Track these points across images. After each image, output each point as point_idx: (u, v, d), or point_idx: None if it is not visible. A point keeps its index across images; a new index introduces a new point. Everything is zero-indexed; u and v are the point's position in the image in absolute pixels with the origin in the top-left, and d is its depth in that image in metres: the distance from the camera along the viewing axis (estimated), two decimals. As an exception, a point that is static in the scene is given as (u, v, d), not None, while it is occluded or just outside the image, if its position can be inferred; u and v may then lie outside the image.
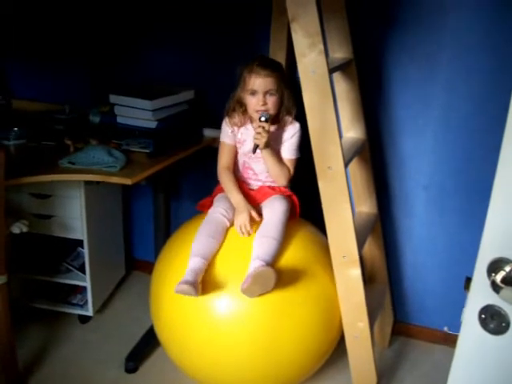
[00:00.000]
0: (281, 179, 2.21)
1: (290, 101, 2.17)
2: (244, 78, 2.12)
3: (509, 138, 0.93)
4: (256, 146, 2.08)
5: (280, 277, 1.95)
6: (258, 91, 2.10)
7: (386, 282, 2.65)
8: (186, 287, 1.88)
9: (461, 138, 2.42)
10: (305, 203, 2.30)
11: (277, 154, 2.20)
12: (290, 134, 2.20)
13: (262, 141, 2.06)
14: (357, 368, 2.23)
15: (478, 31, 2.25)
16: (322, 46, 1.82)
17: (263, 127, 2.06)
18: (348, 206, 1.99)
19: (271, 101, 2.11)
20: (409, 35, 2.35)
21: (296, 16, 1.81)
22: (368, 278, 2.59)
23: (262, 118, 2.08)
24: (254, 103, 2.12)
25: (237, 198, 2.17)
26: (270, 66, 2.10)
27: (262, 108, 2.11)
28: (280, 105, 2.16)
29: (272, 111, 2.13)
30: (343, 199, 1.98)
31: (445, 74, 2.36)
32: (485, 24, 2.22)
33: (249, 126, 2.22)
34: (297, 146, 2.22)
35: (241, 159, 2.28)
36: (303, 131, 2.05)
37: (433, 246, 2.65)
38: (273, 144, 2.18)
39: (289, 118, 2.20)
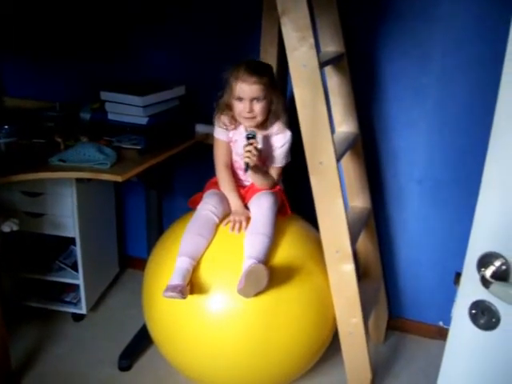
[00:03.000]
0: (264, 187, 2.19)
1: (278, 105, 2.13)
2: (230, 84, 2.09)
3: (496, 130, 0.92)
4: (247, 165, 2.05)
5: (273, 273, 1.94)
6: (244, 98, 2.07)
7: (380, 277, 2.64)
8: (172, 294, 1.87)
9: (455, 130, 2.41)
10: (297, 198, 2.29)
11: (261, 167, 2.18)
12: (281, 143, 2.17)
13: (252, 159, 2.03)
14: (351, 364, 2.22)
15: (472, 22, 2.24)
16: (312, 40, 1.80)
17: (252, 144, 2.03)
18: (340, 200, 1.98)
19: (258, 107, 2.08)
20: (402, 27, 2.34)
21: (286, 10, 1.80)
22: (362, 274, 2.58)
23: (249, 135, 2.04)
24: (240, 109, 2.09)
25: (235, 202, 2.17)
26: (257, 72, 2.05)
27: (249, 115, 2.08)
28: (268, 110, 2.13)
29: (259, 117, 2.10)
30: (335, 194, 1.97)
31: (438, 67, 2.34)
32: (479, 15, 2.21)
33: (239, 128, 2.19)
34: (286, 155, 2.20)
35: (232, 159, 2.26)
36: (295, 126, 2.04)
37: (427, 240, 2.64)
38: (262, 150, 2.16)
39: (279, 125, 2.16)
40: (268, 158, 2.21)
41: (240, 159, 2.21)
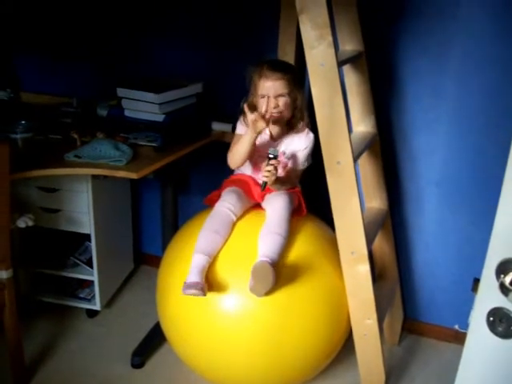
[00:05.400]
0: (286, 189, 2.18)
1: (303, 104, 2.13)
2: (254, 82, 2.09)
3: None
4: (265, 184, 2.05)
5: (287, 273, 1.95)
6: (269, 95, 2.06)
7: (396, 278, 2.61)
8: (194, 291, 1.87)
9: (474, 132, 2.37)
10: (313, 198, 2.27)
11: (283, 177, 2.16)
12: (304, 146, 2.17)
13: (271, 179, 2.02)
14: (365, 366, 2.20)
15: (491, 21, 2.20)
16: (330, 38, 1.78)
17: (273, 165, 2.01)
18: (357, 201, 1.95)
19: (282, 102, 2.07)
20: (420, 26, 2.31)
21: (304, 7, 1.78)
22: (378, 275, 2.56)
23: (271, 155, 2.02)
24: (264, 106, 2.07)
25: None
26: (280, 69, 2.06)
27: (274, 111, 2.07)
28: (293, 108, 2.12)
29: (285, 113, 2.10)
30: (352, 194, 1.95)
31: (458, 66, 2.31)
32: (499, 13, 2.18)
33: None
34: (307, 157, 2.20)
35: (252, 159, 2.22)
36: (312, 125, 2.02)
37: (444, 242, 2.60)
38: (285, 152, 2.17)
39: (303, 126, 2.15)
40: (290, 160, 2.20)
41: (258, 157, 2.20)
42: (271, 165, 2.01)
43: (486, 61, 2.25)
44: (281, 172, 2.19)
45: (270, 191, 2.16)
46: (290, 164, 2.21)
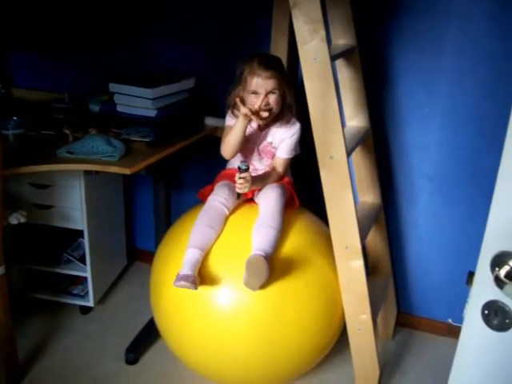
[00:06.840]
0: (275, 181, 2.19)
1: (291, 97, 2.13)
2: (245, 78, 2.09)
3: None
4: (239, 194, 2.08)
5: (281, 267, 1.95)
6: (260, 92, 2.06)
7: (389, 273, 2.62)
8: (186, 284, 1.86)
9: (467, 127, 2.38)
10: (307, 192, 2.27)
11: (262, 176, 2.18)
12: (290, 134, 2.18)
13: (244, 190, 2.03)
14: (359, 360, 2.20)
15: (485, 16, 2.20)
16: (323, 33, 1.78)
17: (244, 178, 2.01)
18: (350, 195, 1.95)
19: (272, 99, 2.08)
20: (414, 21, 2.30)
21: (297, 2, 1.77)
22: (371, 270, 2.56)
23: (243, 167, 2.02)
24: (254, 102, 2.07)
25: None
26: (271, 66, 2.05)
27: (264, 108, 2.07)
28: (282, 102, 2.13)
29: (275, 109, 2.10)
30: (345, 189, 1.95)
31: (451, 62, 2.31)
32: (493, 9, 2.18)
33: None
34: (294, 146, 2.21)
35: (243, 153, 2.23)
36: (305, 119, 2.01)
37: (438, 237, 2.61)
38: (272, 141, 2.19)
39: (290, 117, 2.17)
40: (277, 150, 2.20)
41: (250, 153, 2.22)
42: (242, 178, 2.02)
43: (478, 57, 2.25)
44: (271, 163, 2.22)
45: (248, 195, 2.17)
46: (277, 153, 2.21)
